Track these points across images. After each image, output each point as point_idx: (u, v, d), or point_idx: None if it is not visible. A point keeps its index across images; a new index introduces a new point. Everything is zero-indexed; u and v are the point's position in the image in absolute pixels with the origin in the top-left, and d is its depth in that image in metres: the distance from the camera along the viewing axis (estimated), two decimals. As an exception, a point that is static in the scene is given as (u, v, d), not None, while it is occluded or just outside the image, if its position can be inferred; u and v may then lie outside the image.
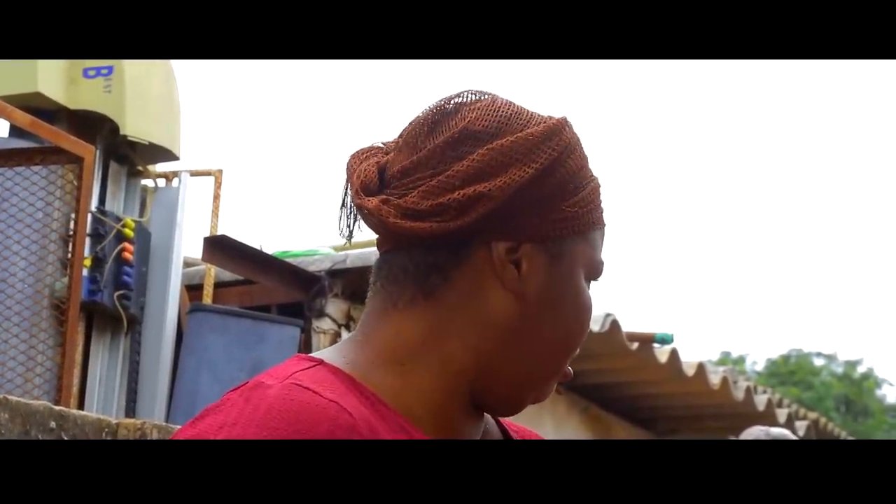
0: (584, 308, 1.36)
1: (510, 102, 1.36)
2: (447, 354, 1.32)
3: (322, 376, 1.26)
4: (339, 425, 1.19)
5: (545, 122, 1.34)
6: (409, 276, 1.34)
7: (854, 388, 26.97)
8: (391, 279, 1.35)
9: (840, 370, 28.20)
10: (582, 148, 1.35)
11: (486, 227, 1.30)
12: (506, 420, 1.48)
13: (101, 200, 5.49)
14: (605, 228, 1.38)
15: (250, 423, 1.19)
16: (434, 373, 1.32)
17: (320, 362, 1.29)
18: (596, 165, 1.38)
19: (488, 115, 1.34)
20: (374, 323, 1.35)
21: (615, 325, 6.34)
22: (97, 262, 5.29)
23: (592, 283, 1.39)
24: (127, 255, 5.43)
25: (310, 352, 5.36)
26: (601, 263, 1.37)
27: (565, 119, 1.35)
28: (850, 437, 11.88)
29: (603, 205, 1.37)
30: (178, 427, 3.28)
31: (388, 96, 53.54)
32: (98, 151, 5.22)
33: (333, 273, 5.58)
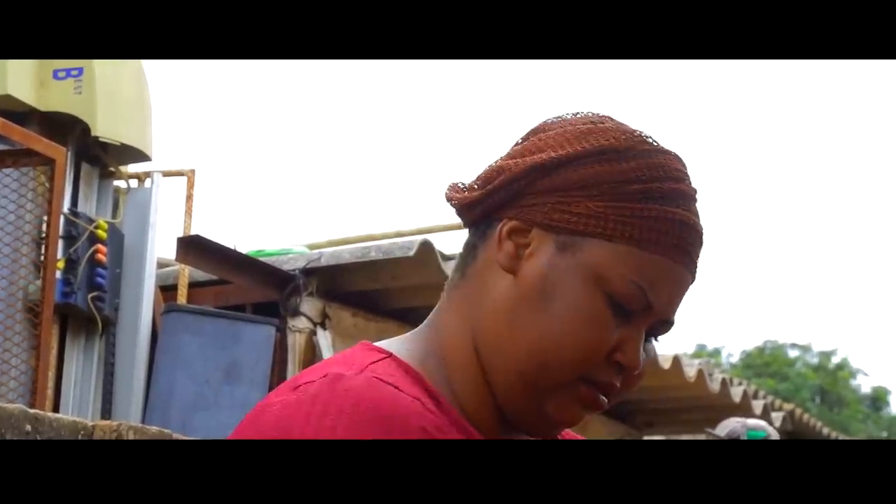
0: (578, 312, 1.25)
1: (614, 121, 1.33)
2: (469, 343, 1.31)
3: (393, 370, 1.24)
4: (429, 422, 1.19)
5: (608, 131, 1.31)
6: (459, 258, 1.36)
7: (829, 379, 27.08)
8: (455, 264, 1.37)
9: (815, 361, 28.31)
10: (656, 170, 1.28)
11: (506, 205, 1.31)
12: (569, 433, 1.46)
13: (74, 202, 5.47)
14: (663, 261, 1.27)
15: (341, 413, 1.17)
16: (465, 371, 1.31)
17: (389, 355, 1.28)
18: (700, 212, 1.31)
19: (570, 119, 1.34)
20: (436, 311, 1.36)
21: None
22: (70, 264, 5.27)
23: (655, 331, 1.30)
24: (100, 256, 5.41)
25: (285, 352, 5.38)
26: (631, 283, 1.26)
27: (637, 136, 1.30)
28: (827, 428, 11.92)
29: (672, 239, 1.27)
30: (155, 428, 3.28)
31: (359, 95, 53.51)
32: (69, 153, 5.19)
33: (308, 272, 5.58)
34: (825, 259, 46.98)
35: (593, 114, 1.35)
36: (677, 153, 1.33)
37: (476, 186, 1.34)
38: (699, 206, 1.32)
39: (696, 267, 1.31)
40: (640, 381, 1.32)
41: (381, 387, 1.19)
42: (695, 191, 1.31)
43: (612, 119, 1.33)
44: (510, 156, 1.33)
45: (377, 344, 1.32)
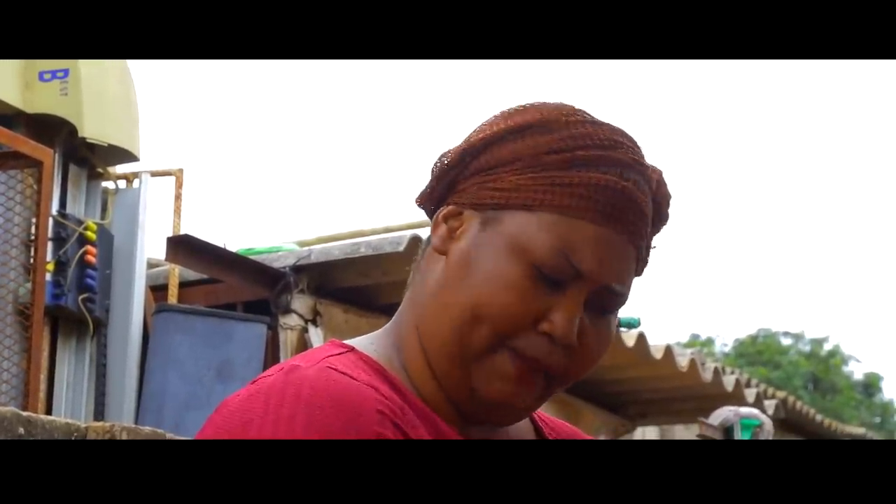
0: (496, 279, 1.25)
1: (553, 102, 1.33)
2: (416, 333, 1.32)
3: (351, 363, 1.26)
4: (385, 406, 1.19)
5: (535, 107, 1.32)
6: (419, 254, 1.38)
7: (821, 366, 27.10)
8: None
9: (807, 349, 28.34)
10: (581, 139, 1.28)
11: (448, 194, 1.34)
12: (545, 416, 1.45)
13: (62, 204, 5.46)
14: (588, 226, 1.26)
15: (297, 401, 1.18)
16: (417, 362, 1.31)
17: (351, 349, 1.30)
18: (641, 180, 1.30)
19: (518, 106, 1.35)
20: (399, 308, 1.37)
21: (582, 310, 6.33)
22: (60, 266, 5.26)
23: (603, 303, 1.29)
24: (90, 258, 5.40)
25: (277, 350, 5.38)
26: (552, 250, 1.25)
27: (566, 110, 1.31)
28: (820, 415, 11.95)
29: (596, 204, 1.26)
30: (148, 429, 3.27)
31: (346, 92, 53.47)
32: (57, 155, 5.18)
33: (298, 269, 5.57)
34: (816, 247, 47.08)
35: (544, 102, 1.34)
36: (616, 125, 1.32)
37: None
38: (641, 173, 1.31)
39: (632, 232, 1.29)
40: (593, 360, 1.31)
41: (335, 375, 1.20)
42: (634, 159, 1.30)
43: (554, 102, 1.33)
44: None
45: (346, 341, 1.33)
